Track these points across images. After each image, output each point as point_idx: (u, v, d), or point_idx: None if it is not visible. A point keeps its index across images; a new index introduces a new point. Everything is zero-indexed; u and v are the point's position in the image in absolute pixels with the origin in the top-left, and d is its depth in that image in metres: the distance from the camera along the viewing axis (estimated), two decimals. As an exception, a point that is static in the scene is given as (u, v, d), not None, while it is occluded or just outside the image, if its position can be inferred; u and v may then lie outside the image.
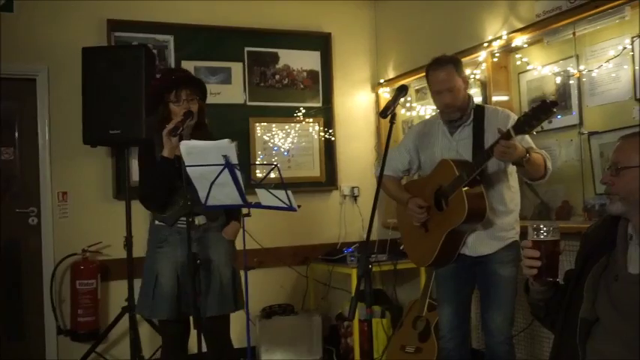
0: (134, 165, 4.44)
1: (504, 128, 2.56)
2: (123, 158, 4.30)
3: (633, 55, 3.08)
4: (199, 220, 2.96)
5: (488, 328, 2.92)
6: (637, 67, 3.07)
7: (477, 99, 3.86)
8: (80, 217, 4.40)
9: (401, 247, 4.54)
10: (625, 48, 3.09)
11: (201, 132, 2.95)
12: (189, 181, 2.68)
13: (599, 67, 3.23)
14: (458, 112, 2.89)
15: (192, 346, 2.91)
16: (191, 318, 2.90)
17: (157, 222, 3.02)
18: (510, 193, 2.93)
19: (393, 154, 3.08)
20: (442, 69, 2.85)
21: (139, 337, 4.03)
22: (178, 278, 2.91)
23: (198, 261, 2.78)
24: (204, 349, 2.89)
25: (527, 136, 2.75)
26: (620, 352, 1.69)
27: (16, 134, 4.38)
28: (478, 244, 2.90)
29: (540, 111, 2.41)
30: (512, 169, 2.92)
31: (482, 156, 2.70)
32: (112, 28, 4.49)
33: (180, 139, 2.74)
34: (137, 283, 4.03)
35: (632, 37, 3.06)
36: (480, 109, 2.91)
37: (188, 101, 2.90)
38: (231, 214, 3.02)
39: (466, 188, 2.76)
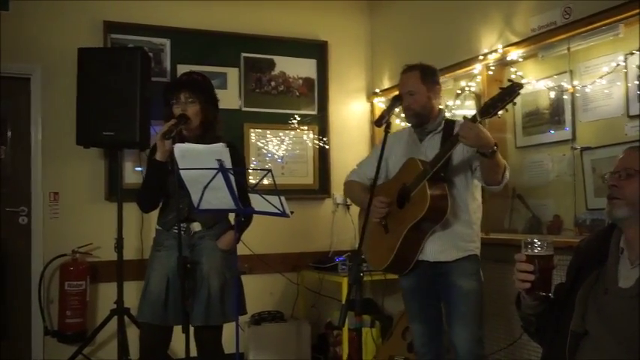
0: (127, 167, 4.45)
1: None
2: (116, 160, 4.28)
3: (626, 72, 3.11)
4: (194, 227, 2.95)
5: (455, 345, 2.86)
6: (629, 84, 3.10)
7: (472, 111, 3.87)
8: (71, 217, 4.37)
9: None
10: (618, 65, 3.12)
11: (207, 136, 2.90)
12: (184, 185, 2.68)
13: (593, 83, 3.26)
14: (415, 117, 2.93)
15: (181, 351, 2.89)
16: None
17: (157, 226, 3.03)
18: (474, 205, 2.92)
19: (363, 163, 3.25)
20: (407, 73, 2.97)
21: (126, 339, 4.01)
22: (169, 283, 2.89)
23: (189, 265, 2.77)
24: (192, 354, 2.86)
25: None
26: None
27: (9, 133, 4.35)
28: (437, 250, 2.85)
29: (506, 93, 2.46)
30: (477, 183, 2.91)
31: (448, 144, 2.70)
32: (108, 30, 4.48)
33: (174, 141, 2.74)
34: (127, 286, 4.07)
35: (625, 55, 3.09)
36: (449, 122, 2.95)
37: (187, 104, 2.89)
38: (235, 225, 2.93)
39: (430, 187, 2.73)
